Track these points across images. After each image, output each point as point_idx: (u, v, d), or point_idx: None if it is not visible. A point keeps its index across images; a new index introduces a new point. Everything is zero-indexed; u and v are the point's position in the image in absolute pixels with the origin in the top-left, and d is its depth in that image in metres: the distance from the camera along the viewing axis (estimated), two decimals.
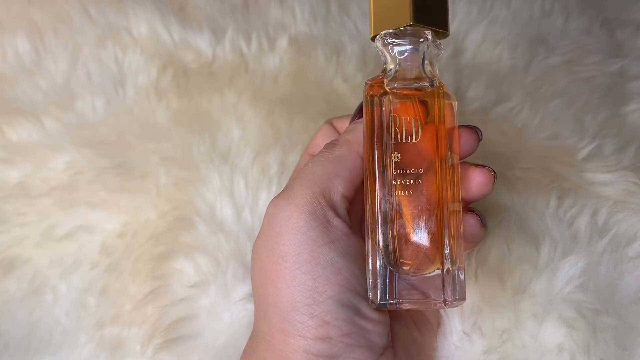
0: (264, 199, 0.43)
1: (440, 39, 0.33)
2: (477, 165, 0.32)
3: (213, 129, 0.45)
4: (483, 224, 0.33)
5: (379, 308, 0.31)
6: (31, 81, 0.48)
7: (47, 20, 0.49)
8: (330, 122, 0.39)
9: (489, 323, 0.36)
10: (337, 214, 0.32)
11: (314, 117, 0.46)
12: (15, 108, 0.47)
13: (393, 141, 0.31)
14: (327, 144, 0.34)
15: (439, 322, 0.37)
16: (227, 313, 0.40)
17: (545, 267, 0.37)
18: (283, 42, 0.50)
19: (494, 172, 0.33)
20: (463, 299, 0.32)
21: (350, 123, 0.36)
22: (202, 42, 0.49)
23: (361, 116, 0.34)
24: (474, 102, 0.48)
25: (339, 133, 0.38)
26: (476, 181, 0.32)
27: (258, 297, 0.33)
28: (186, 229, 0.42)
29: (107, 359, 0.40)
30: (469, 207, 0.33)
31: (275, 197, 0.32)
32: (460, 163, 0.32)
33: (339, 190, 0.32)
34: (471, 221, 0.32)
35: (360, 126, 0.33)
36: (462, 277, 0.32)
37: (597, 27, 0.52)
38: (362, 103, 0.35)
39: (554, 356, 0.35)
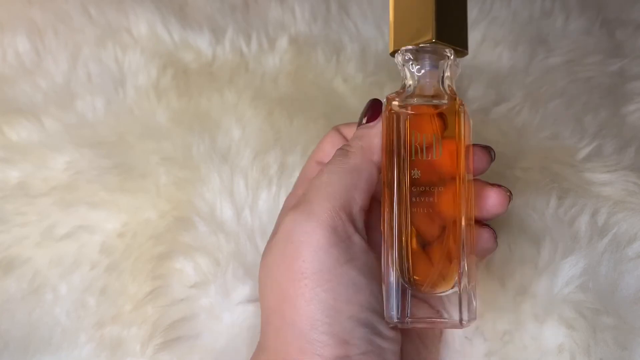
0: (264, 199, 0.43)
1: (459, 57, 0.33)
2: (493, 185, 0.32)
3: (213, 129, 0.45)
4: (496, 236, 0.33)
5: (395, 326, 0.31)
6: (31, 81, 0.48)
7: (47, 20, 0.49)
8: (337, 129, 0.38)
9: (490, 325, 0.36)
10: (356, 230, 0.31)
11: (314, 117, 0.46)
12: (15, 108, 0.47)
13: (412, 158, 0.30)
14: (340, 150, 0.33)
15: (441, 331, 0.37)
16: (227, 313, 0.40)
17: (546, 268, 0.37)
18: (283, 42, 0.50)
19: (510, 193, 0.32)
20: (474, 318, 0.31)
21: (357, 127, 0.35)
22: (202, 42, 0.49)
23: (369, 119, 0.33)
24: (474, 102, 0.48)
25: (346, 140, 0.37)
26: (492, 201, 0.32)
27: (271, 312, 0.32)
28: (186, 229, 0.42)
29: (107, 359, 0.40)
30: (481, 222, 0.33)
31: (292, 211, 0.31)
32: (476, 181, 0.32)
33: (358, 203, 0.31)
34: (485, 236, 0.32)
35: (372, 131, 0.33)
36: (474, 294, 0.31)
37: (597, 27, 0.52)
38: (367, 105, 0.35)
39: (554, 356, 0.35)
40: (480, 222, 0.33)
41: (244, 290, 0.40)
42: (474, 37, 0.51)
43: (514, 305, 0.36)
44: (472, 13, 0.52)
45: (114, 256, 0.42)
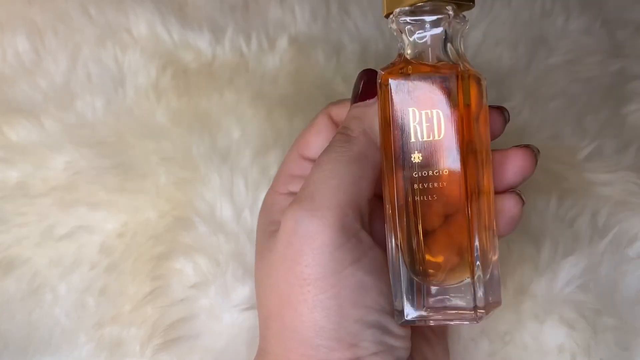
0: None
1: (464, 11, 0.29)
2: (514, 148, 0.30)
3: (213, 129, 0.45)
4: (524, 202, 0.30)
5: (405, 325, 0.29)
6: (31, 81, 0.48)
7: (47, 20, 0.49)
8: (327, 113, 0.34)
9: (492, 326, 0.36)
10: (363, 225, 0.29)
11: None
12: (15, 108, 0.47)
13: (412, 139, 0.27)
14: (340, 135, 0.30)
15: (448, 326, 0.36)
16: (227, 314, 0.40)
17: (546, 268, 0.37)
18: (283, 42, 0.49)
19: (537, 151, 0.30)
20: (498, 303, 0.29)
21: (352, 104, 0.32)
22: (202, 42, 0.49)
23: (365, 94, 0.30)
24: None
25: (337, 126, 0.33)
26: (514, 164, 0.29)
27: (269, 315, 0.30)
28: (186, 229, 0.42)
29: (107, 359, 0.40)
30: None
31: (293, 208, 0.28)
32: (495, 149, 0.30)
33: (365, 195, 0.29)
34: (510, 204, 0.30)
35: (371, 110, 0.29)
36: (495, 277, 0.28)
37: (598, 27, 0.52)
38: (361, 77, 0.31)
39: (555, 357, 0.35)
40: (504, 190, 0.30)
41: (244, 290, 0.40)
42: (474, 37, 0.51)
43: (515, 305, 0.36)
44: (472, 13, 0.52)
45: (114, 256, 0.42)
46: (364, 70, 0.31)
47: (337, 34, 0.51)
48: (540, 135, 0.46)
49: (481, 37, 0.51)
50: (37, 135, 0.45)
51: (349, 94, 0.50)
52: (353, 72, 0.49)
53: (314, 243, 0.27)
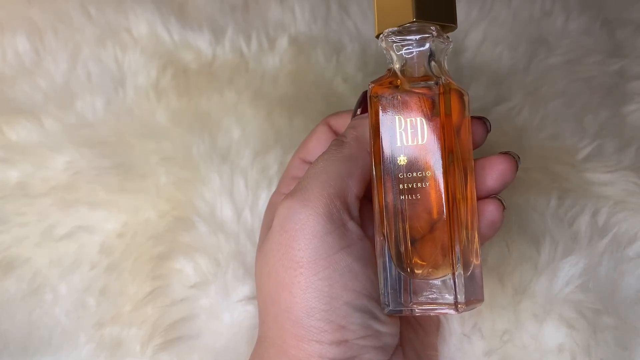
0: (264, 199, 0.43)
1: (447, 32, 0.32)
2: (496, 155, 0.32)
3: (213, 129, 0.45)
4: (504, 207, 0.32)
5: (391, 314, 0.31)
6: (31, 81, 0.48)
7: (47, 20, 0.49)
8: (326, 123, 0.38)
9: (489, 324, 0.36)
10: (351, 217, 0.31)
11: (314, 117, 0.46)
12: (15, 108, 0.47)
13: (398, 144, 0.30)
14: (335, 140, 0.33)
15: (438, 317, 0.37)
16: (227, 313, 0.40)
17: (546, 267, 0.37)
18: (283, 42, 0.49)
19: (517, 157, 0.32)
20: (479, 300, 0.31)
21: (352, 118, 0.35)
22: (202, 42, 0.49)
23: (364, 110, 0.33)
24: (474, 102, 0.48)
25: (336, 134, 0.37)
26: (496, 170, 0.32)
27: (268, 301, 0.32)
28: (186, 229, 0.42)
29: (107, 359, 0.40)
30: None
31: (287, 199, 0.31)
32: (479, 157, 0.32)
33: (353, 191, 0.31)
34: (490, 208, 0.32)
35: (366, 121, 0.32)
36: (477, 276, 0.31)
37: (597, 27, 0.52)
38: (362, 96, 0.34)
39: (555, 356, 0.35)
40: (486, 196, 0.32)
41: (244, 290, 0.40)
42: (474, 37, 0.51)
43: (513, 304, 0.36)
44: (472, 13, 0.52)
45: (114, 256, 0.42)
46: (365, 91, 0.34)
47: (337, 34, 0.51)
48: (540, 135, 0.46)
49: (481, 37, 0.51)
50: (37, 135, 0.45)
51: (348, 94, 0.50)
52: (353, 72, 0.50)
53: (305, 229, 0.30)
